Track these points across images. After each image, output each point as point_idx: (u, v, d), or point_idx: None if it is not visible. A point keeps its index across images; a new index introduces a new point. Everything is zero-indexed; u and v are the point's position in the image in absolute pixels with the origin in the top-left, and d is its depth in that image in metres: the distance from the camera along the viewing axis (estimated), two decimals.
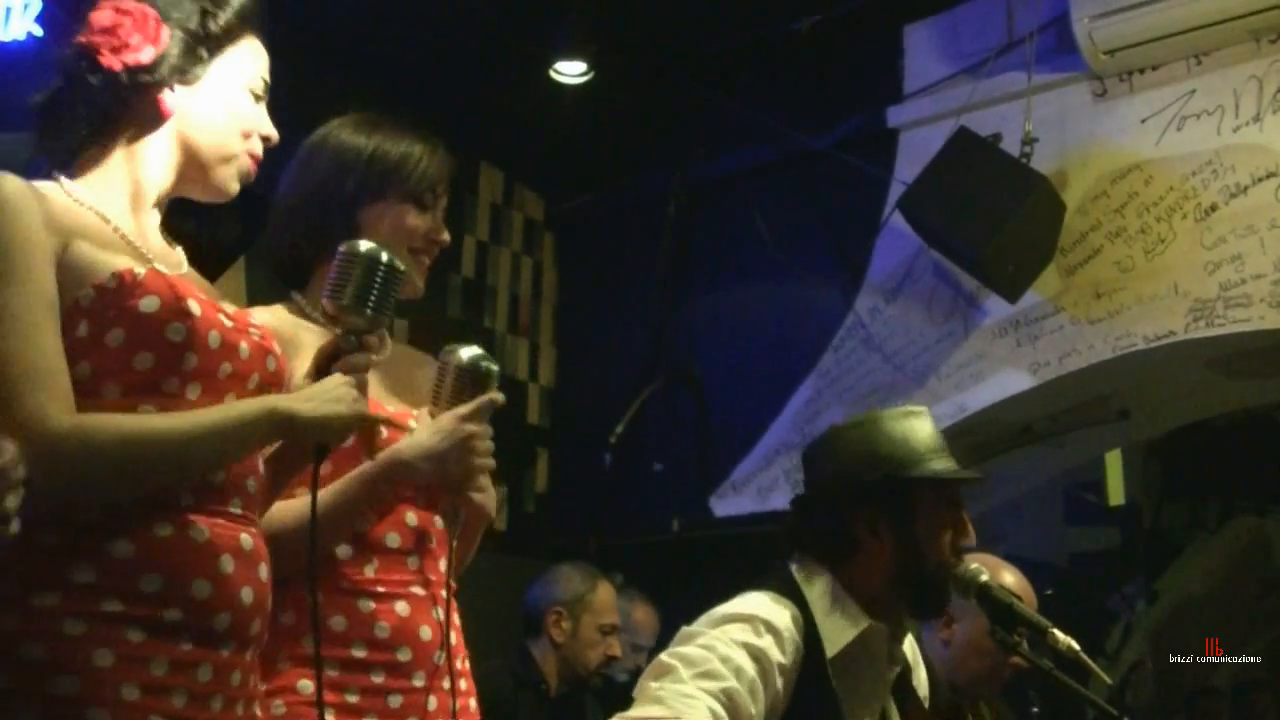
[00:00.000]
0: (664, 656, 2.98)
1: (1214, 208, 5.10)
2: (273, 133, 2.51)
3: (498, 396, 2.72)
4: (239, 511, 2.31)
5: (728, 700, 2.89)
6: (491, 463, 2.73)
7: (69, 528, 2.12)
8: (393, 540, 2.69)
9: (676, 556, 6.03)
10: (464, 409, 2.68)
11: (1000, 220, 5.05)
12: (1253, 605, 9.63)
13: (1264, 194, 5.01)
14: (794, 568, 3.20)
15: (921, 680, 3.42)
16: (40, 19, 4.35)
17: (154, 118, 2.39)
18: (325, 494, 2.57)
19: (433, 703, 2.66)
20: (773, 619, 3.04)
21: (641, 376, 6.42)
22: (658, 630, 5.41)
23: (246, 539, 2.31)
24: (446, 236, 2.89)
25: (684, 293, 6.48)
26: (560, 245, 7.05)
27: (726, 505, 6.09)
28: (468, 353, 2.72)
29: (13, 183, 2.23)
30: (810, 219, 6.15)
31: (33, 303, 2.16)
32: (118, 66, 2.34)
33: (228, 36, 2.43)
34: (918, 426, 3.25)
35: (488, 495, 2.80)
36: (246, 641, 2.30)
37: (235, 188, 2.49)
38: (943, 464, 3.19)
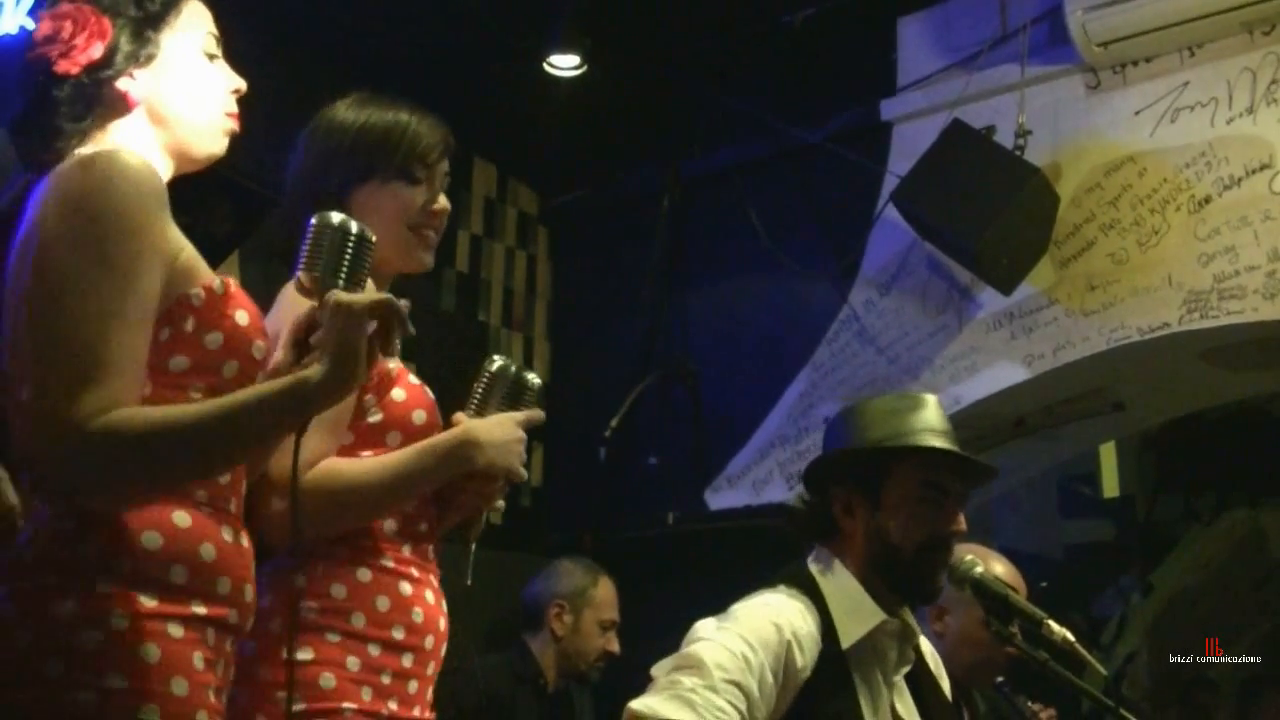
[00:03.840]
0: (691, 651, 2.97)
1: (1207, 199, 5.10)
2: (240, 83, 2.51)
3: (540, 413, 2.80)
4: (233, 510, 2.34)
5: (749, 717, 2.90)
6: (524, 473, 2.78)
7: (102, 523, 2.15)
8: (423, 526, 2.74)
9: (672, 550, 6.02)
10: (521, 415, 2.74)
11: (994, 213, 5.05)
12: (1248, 597, 9.63)
13: (1257, 186, 5.01)
14: (810, 559, 3.21)
15: (940, 673, 3.43)
16: (32, 13, 4.34)
17: (124, 108, 2.39)
18: (398, 459, 2.64)
19: (413, 686, 2.69)
20: (794, 620, 3.04)
21: (636, 370, 6.41)
22: (617, 604, 5.40)
23: (244, 537, 2.35)
24: (443, 205, 2.86)
25: (678, 286, 6.47)
26: (554, 239, 7.04)
27: (721, 498, 6.08)
28: (516, 366, 2.81)
29: (145, 161, 2.25)
30: (804, 212, 6.14)
31: (131, 301, 2.16)
32: (75, 70, 2.34)
33: (168, 8, 2.43)
34: (913, 407, 3.23)
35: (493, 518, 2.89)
36: (241, 635, 2.34)
37: (223, 147, 2.50)
38: (928, 441, 3.17)
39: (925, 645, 3.39)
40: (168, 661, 2.14)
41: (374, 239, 2.42)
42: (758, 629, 3.00)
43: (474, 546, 2.80)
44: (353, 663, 2.57)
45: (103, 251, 2.15)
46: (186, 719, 2.14)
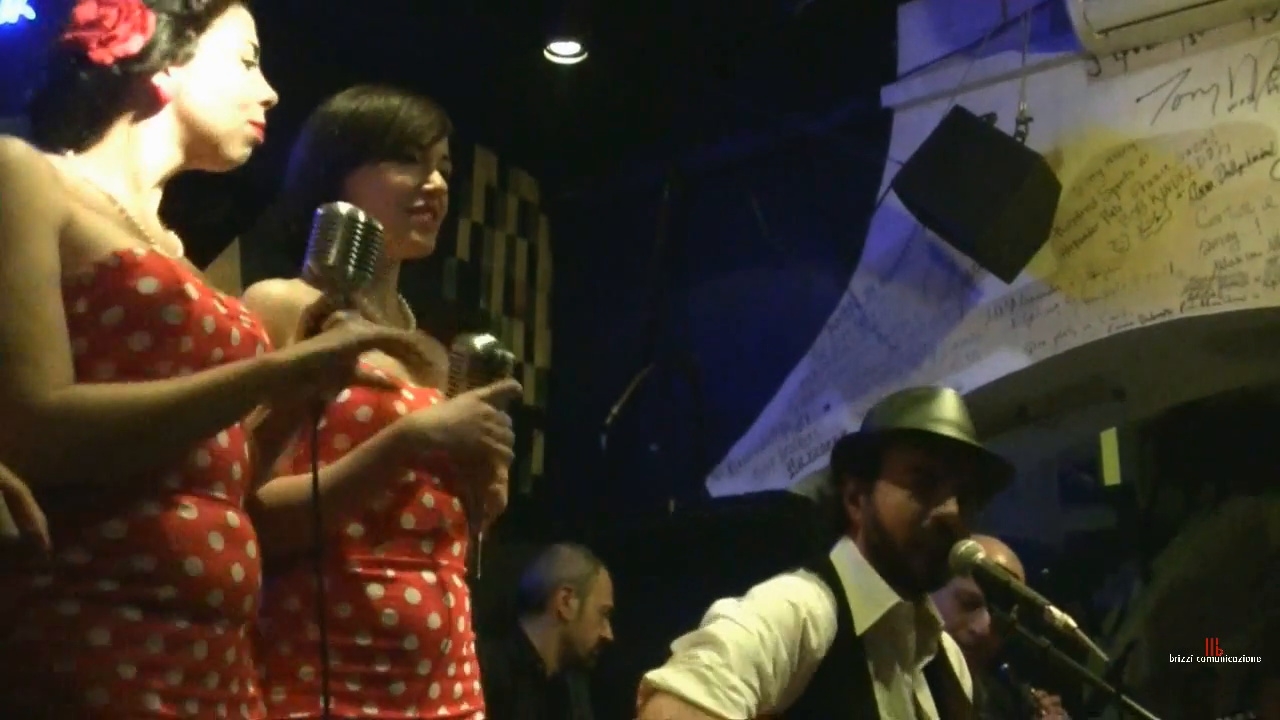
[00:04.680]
0: (710, 629, 3.00)
1: (1209, 186, 5.10)
2: (271, 95, 2.51)
3: (516, 385, 2.73)
4: (223, 495, 2.31)
5: (762, 695, 2.92)
6: (509, 451, 2.71)
7: (61, 509, 2.09)
8: (408, 521, 2.68)
9: (673, 538, 6.02)
10: (483, 390, 2.67)
11: (995, 200, 5.05)
12: (1250, 586, 9.63)
13: (1259, 173, 5.00)
14: (834, 545, 3.23)
15: (961, 668, 3.43)
16: (32, 1, 4.33)
17: (151, 103, 2.40)
18: (336, 466, 2.58)
19: (434, 690, 2.65)
20: (810, 602, 3.06)
21: (637, 358, 6.42)
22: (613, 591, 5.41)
23: (232, 517, 2.31)
24: (438, 183, 2.84)
25: (680, 275, 6.48)
26: (555, 228, 7.04)
27: (722, 486, 6.08)
28: (482, 341, 2.72)
29: (19, 147, 2.22)
30: (805, 201, 6.15)
31: (32, 272, 2.15)
32: (109, 60, 2.34)
33: (212, 11, 2.43)
34: (927, 399, 3.24)
35: (503, 487, 2.80)
36: (239, 618, 2.31)
37: (245, 155, 2.50)
38: (936, 428, 3.18)
39: (949, 642, 3.40)
40: (117, 645, 2.12)
41: (381, 227, 2.43)
42: (775, 608, 3.03)
43: (481, 538, 2.77)
44: (305, 673, 2.54)
45: None
46: (135, 700, 2.11)
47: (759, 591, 3.11)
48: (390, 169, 2.78)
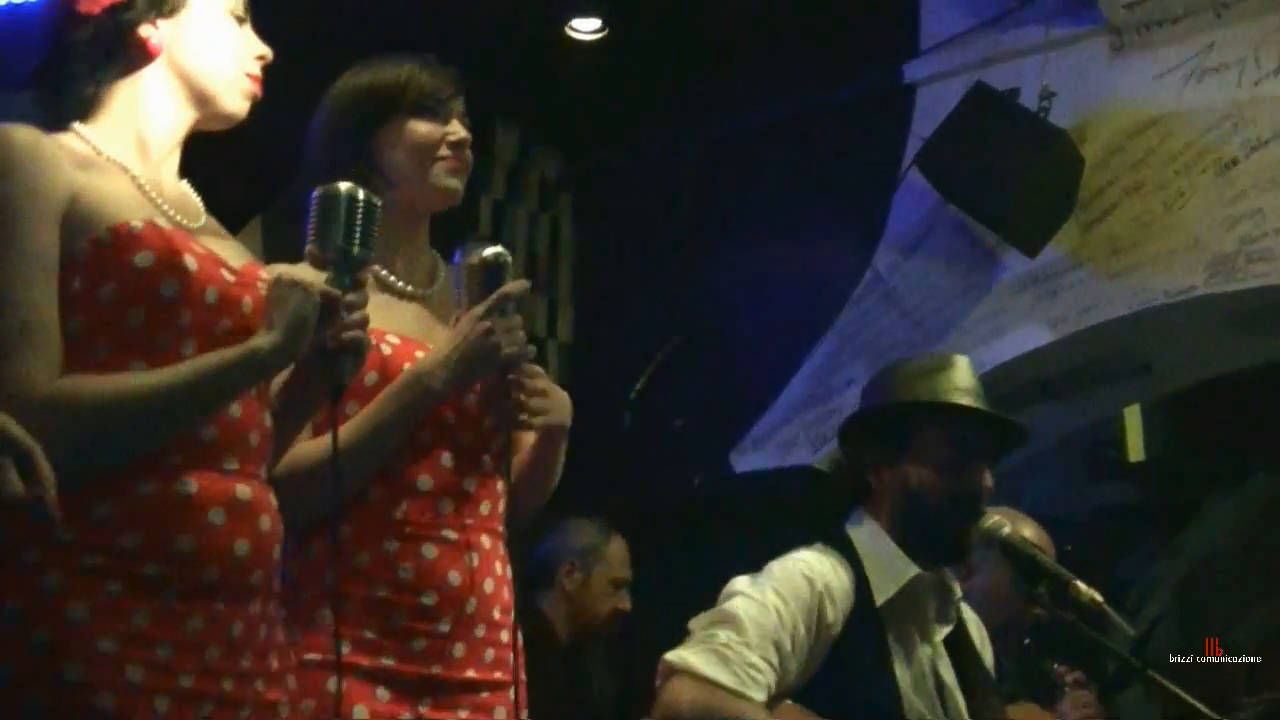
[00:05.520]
0: (728, 607, 3.02)
1: (1234, 161, 5.07)
2: (266, 51, 2.52)
3: (514, 286, 2.69)
4: (234, 467, 2.32)
5: (781, 672, 2.93)
6: (523, 352, 2.70)
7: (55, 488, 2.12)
8: (424, 483, 2.69)
9: (698, 513, 6.03)
10: (479, 308, 2.65)
11: (1019, 175, 5.04)
12: (1275, 560, 9.61)
13: None
14: (849, 519, 3.23)
15: (983, 639, 3.43)
16: None
17: (144, 58, 2.40)
18: (353, 424, 2.60)
19: (459, 650, 2.66)
20: (826, 576, 3.08)
21: (660, 333, 6.40)
22: (629, 562, 5.40)
23: (243, 490, 2.32)
24: (462, 133, 2.84)
25: (702, 249, 6.46)
26: (577, 203, 7.03)
27: (747, 461, 6.08)
28: (475, 252, 2.70)
29: (23, 134, 2.24)
30: (828, 175, 6.13)
31: (23, 265, 2.17)
32: (96, 9, 2.36)
33: None
34: (945, 367, 3.25)
35: (554, 410, 2.79)
36: (245, 593, 2.31)
37: (243, 109, 2.50)
38: (955, 399, 3.19)
39: (969, 613, 3.40)
40: (97, 618, 2.14)
41: (379, 202, 2.44)
42: (791, 583, 3.05)
43: (509, 485, 2.76)
44: (322, 615, 2.57)
45: None
46: (114, 673, 2.13)
47: (775, 567, 3.13)
48: (413, 123, 2.80)
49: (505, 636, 2.74)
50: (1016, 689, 4.19)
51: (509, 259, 2.73)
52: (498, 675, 2.72)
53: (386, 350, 2.69)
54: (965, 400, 3.19)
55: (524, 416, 2.72)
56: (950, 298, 5.66)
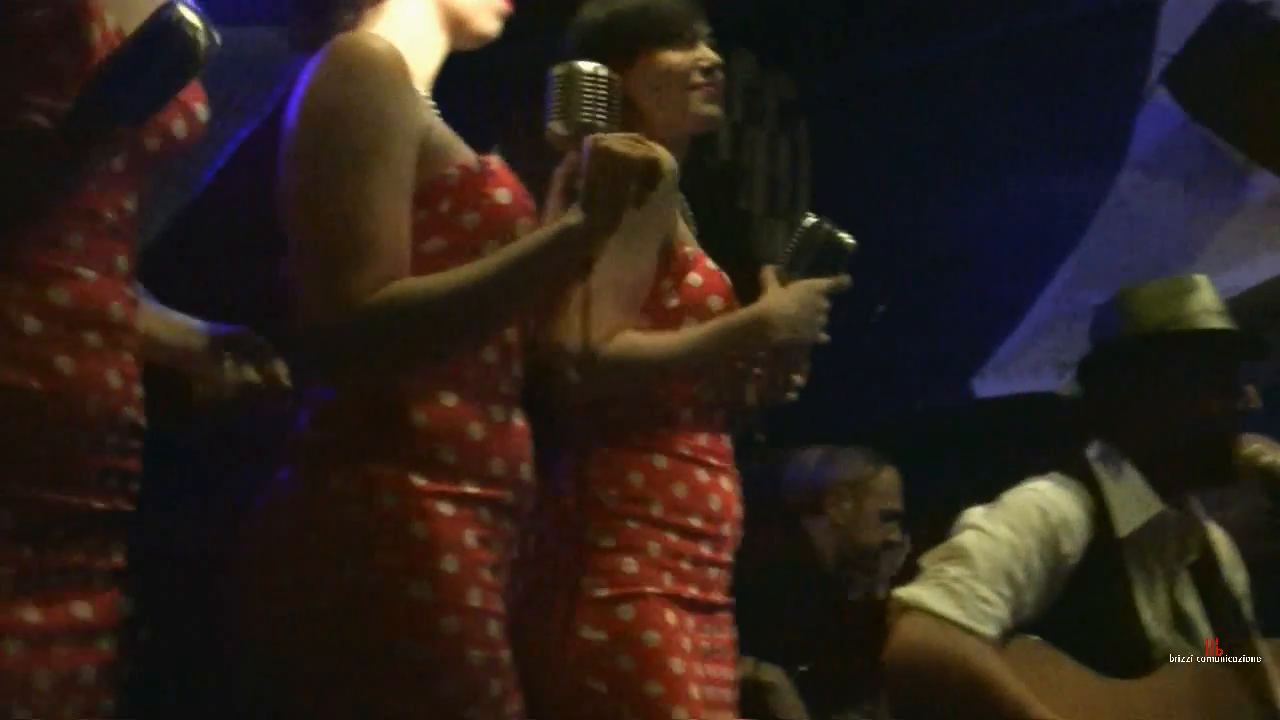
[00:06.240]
0: (958, 541, 3.02)
1: None
2: None
3: (846, 279, 2.80)
4: (507, 391, 2.38)
5: (1016, 604, 2.92)
6: (823, 336, 2.78)
7: (373, 406, 2.23)
8: (720, 413, 2.78)
9: (939, 437, 6.01)
10: (823, 284, 2.75)
11: (1270, 93, 4.91)
12: None
13: None
14: (1089, 448, 3.21)
15: (1234, 562, 3.38)
16: None
17: None
18: (688, 334, 2.69)
19: (713, 573, 2.74)
20: (1061, 506, 3.06)
21: (901, 256, 6.37)
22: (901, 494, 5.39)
23: (517, 418, 2.39)
24: (713, 57, 2.86)
25: (941, 171, 6.39)
26: (815, 126, 7.00)
27: (989, 386, 6.05)
28: (831, 228, 2.82)
29: (390, 50, 2.29)
30: (1071, 92, 6.01)
31: (393, 182, 2.22)
32: None
33: None
34: (1189, 290, 3.20)
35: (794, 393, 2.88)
36: (524, 517, 2.39)
37: (495, 29, 2.51)
38: (1210, 323, 3.15)
39: (1216, 533, 3.35)
40: (437, 539, 2.20)
41: (617, 77, 2.46)
42: (1024, 515, 3.03)
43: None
44: (653, 548, 2.63)
45: (347, 140, 2.21)
46: (457, 595, 2.20)
47: (1009, 498, 3.11)
48: (664, 53, 2.82)
49: (730, 557, 2.81)
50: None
51: (852, 245, 2.85)
52: (728, 597, 2.79)
53: (711, 264, 2.81)
54: (1217, 323, 3.14)
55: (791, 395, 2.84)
56: (1196, 220, 5.54)
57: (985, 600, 2.91)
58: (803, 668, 4.70)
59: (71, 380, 1.95)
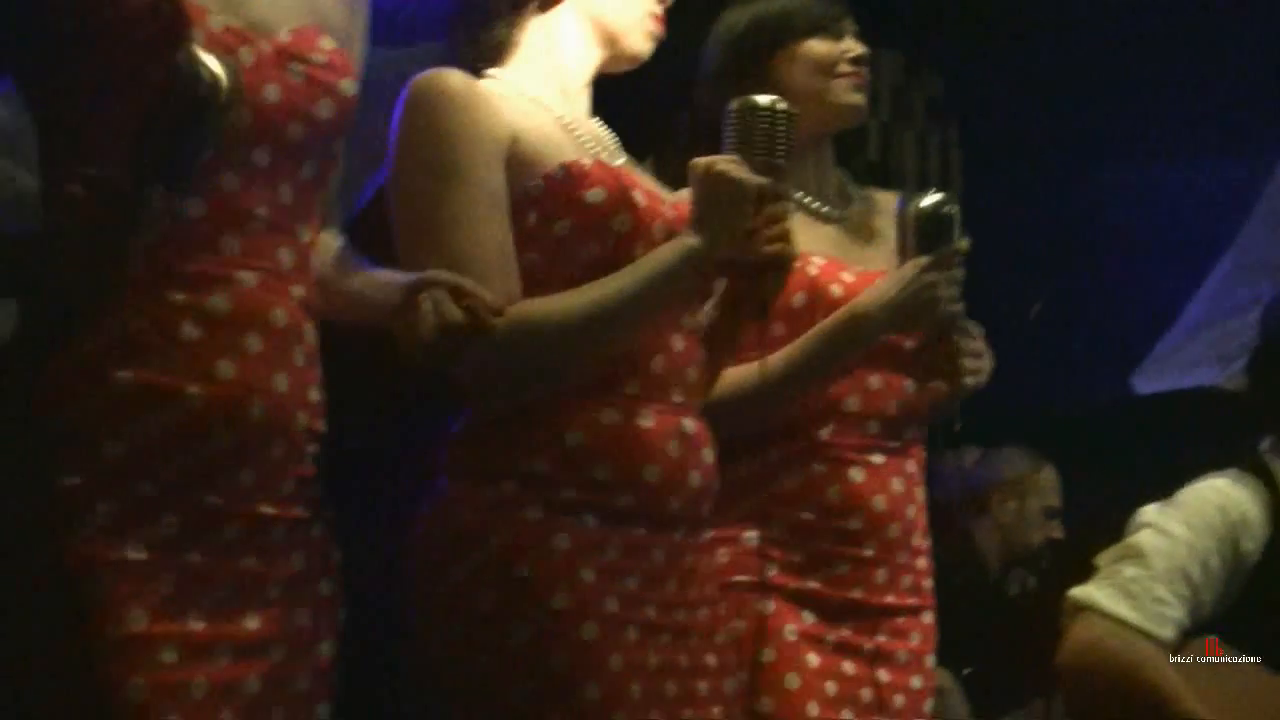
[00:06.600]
0: (1133, 540, 2.99)
1: None
2: None
3: (961, 244, 2.74)
4: (680, 400, 2.41)
5: (1193, 604, 2.88)
6: (959, 307, 2.73)
7: (525, 417, 2.28)
8: (851, 404, 2.76)
9: (1099, 434, 5.94)
10: (925, 258, 2.70)
11: None
12: None
13: None
14: (1262, 444, 3.16)
15: None
16: None
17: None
18: (784, 354, 2.69)
19: (881, 575, 2.75)
20: (1241, 503, 3.01)
21: (1054, 252, 6.30)
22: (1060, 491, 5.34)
23: (688, 423, 2.41)
24: (859, 49, 2.87)
25: (1094, 166, 6.31)
26: (964, 123, 6.95)
27: (1149, 383, 5.96)
28: (927, 200, 2.75)
29: (457, 77, 2.36)
30: (1224, 79, 5.91)
31: (478, 198, 2.28)
32: None
33: None
34: None
35: (984, 372, 2.83)
36: (697, 523, 2.43)
37: (648, 50, 2.56)
38: None
39: None
40: (578, 550, 2.26)
41: (797, 110, 2.47)
42: (1202, 513, 2.99)
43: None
44: (749, 537, 2.68)
45: (434, 162, 2.28)
46: (595, 603, 2.25)
47: (1185, 496, 3.07)
48: (810, 43, 2.83)
49: (922, 562, 2.80)
50: None
51: (957, 210, 2.76)
52: (912, 601, 2.78)
53: (813, 270, 2.76)
54: None
55: (968, 380, 2.77)
56: None
57: (1162, 601, 2.88)
58: (967, 670, 4.66)
59: (232, 385, 2.00)
